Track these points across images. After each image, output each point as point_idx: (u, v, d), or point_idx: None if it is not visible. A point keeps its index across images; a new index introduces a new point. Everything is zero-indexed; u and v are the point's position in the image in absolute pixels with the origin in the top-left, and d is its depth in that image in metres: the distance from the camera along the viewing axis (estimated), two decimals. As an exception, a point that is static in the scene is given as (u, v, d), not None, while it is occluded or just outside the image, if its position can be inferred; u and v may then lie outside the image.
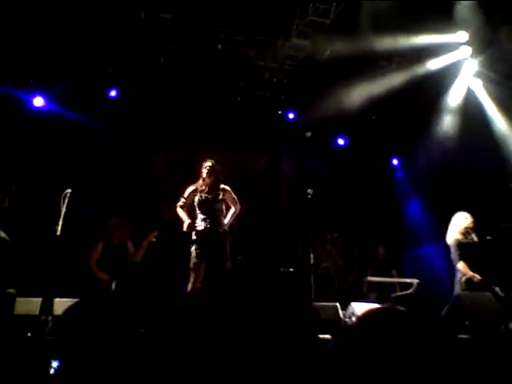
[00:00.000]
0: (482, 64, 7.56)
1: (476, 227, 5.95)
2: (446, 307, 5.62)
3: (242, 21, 7.21)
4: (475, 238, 5.93)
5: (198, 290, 5.32)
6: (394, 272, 7.66)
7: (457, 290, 5.80)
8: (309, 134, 8.21)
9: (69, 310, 2.65)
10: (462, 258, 5.81)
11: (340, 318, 5.34)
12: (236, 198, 5.71)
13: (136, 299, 5.32)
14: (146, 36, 7.26)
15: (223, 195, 5.62)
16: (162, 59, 7.60)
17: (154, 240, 5.91)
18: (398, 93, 7.84)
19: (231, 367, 1.43)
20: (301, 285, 6.34)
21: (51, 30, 6.82)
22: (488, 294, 5.51)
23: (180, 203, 5.62)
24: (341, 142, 9.11)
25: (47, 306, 4.68)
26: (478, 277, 5.71)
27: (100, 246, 5.96)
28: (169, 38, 7.38)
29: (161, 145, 8.03)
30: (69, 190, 5.37)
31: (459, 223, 6.00)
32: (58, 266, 5.17)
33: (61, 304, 4.58)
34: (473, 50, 7.47)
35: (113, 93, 7.72)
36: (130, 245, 6.00)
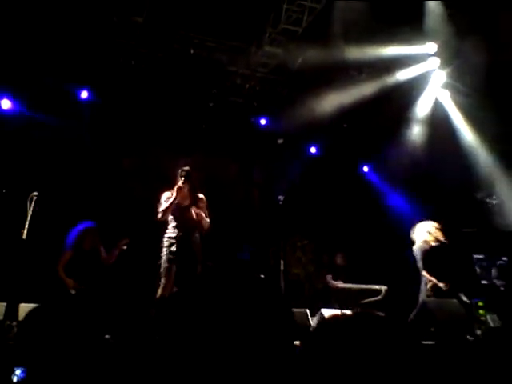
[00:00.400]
0: (450, 75, 7.76)
1: (442, 235, 6.07)
2: (412, 313, 5.72)
3: (215, 26, 7.23)
4: (440, 245, 6.05)
5: (169, 295, 5.29)
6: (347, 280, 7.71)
7: (422, 296, 5.91)
8: (280, 141, 8.26)
9: (28, 316, 2.60)
10: (425, 265, 5.93)
11: (310, 324, 5.38)
12: (207, 212, 5.67)
13: (101, 305, 5.27)
14: (117, 39, 7.20)
15: (198, 204, 5.61)
16: (133, 62, 7.54)
17: (125, 248, 5.85)
18: (368, 102, 7.96)
19: (203, 371, 1.42)
20: (272, 290, 6.36)
21: (21, 32, 6.70)
22: (453, 300, 5.63)
23: (159, 215, 5.55)
24: (313, 150, 9.18)
25: (12, 311, 4.57)
26: (441, 285, 5.82)
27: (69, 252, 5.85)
28: (141, 42, 7.34)
29: (131, 148, 7.94)
30: (35, 193, 5.28)
31: (424, 232, 6.12)
32: (23, 270, 5.07)
33: (26, 309, 4.47)
34: (441, 61, 7.66)
35: (84, 94, 7.61)
36: (102, 250, 5.92)
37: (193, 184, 5.61)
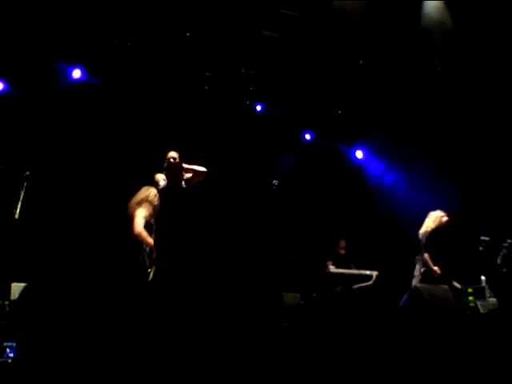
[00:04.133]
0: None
1: (446, 222, 6.19)
2: (402, 299, 5.75)
3: (211, 9, 7.15)
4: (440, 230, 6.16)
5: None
6: (352, 266, 7.78)
7: (415, 282, 5.96)
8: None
9: (21, 295, 2.59)
10: (427, 248, 6.01)
11: (301, 305, 5.43)
12: None
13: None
14: (113, 20, 7.11)
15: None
16: (128, 44, 7.46)
17: None
18: (363, 88, 7.97)
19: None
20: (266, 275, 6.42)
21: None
22: (445, 286, 5.68)
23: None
24: (307, 136, 9.16)
25: (4, 291, 4.56)
26: (437, 271, 5.89)
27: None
28: (136, 23, 7.25)
29: (123, 130, 7.88)
30: (27, 173, 5.24)
31: (433, 219, 6.23)
32: (15, 250, 5.05)
33: (18, 289, 4.46)
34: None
35: (77, 74, 7.51)
36: None
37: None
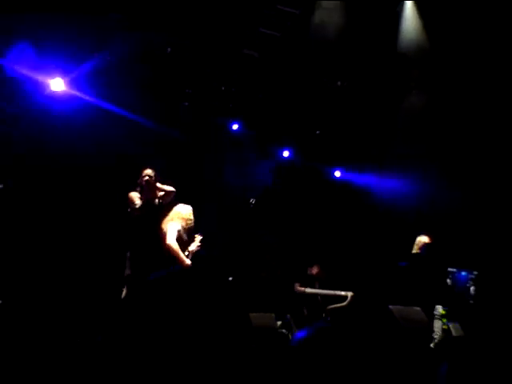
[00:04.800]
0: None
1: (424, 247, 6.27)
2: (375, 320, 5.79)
3: (193, 27, 7.18)
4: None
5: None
6: (316, 285, 7.74)
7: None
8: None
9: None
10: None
11: (276, 327, 5.39)
12: None
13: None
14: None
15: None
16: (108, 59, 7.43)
17: None
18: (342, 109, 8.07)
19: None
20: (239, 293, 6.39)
21: None
22: (417, 308, 5.72)
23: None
24: (286, 153, 9.19)
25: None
26: None
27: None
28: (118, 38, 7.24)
29: (102, 142, 7.80)
30: (0, 186, 5.16)
31: (416, 242, 6.34)
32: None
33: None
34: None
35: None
36: None
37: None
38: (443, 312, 6.10)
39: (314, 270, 7.90)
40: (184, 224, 5.42)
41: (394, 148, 8.43)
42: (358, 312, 6.79)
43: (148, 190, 5.45)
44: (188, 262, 5.24)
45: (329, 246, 8.71)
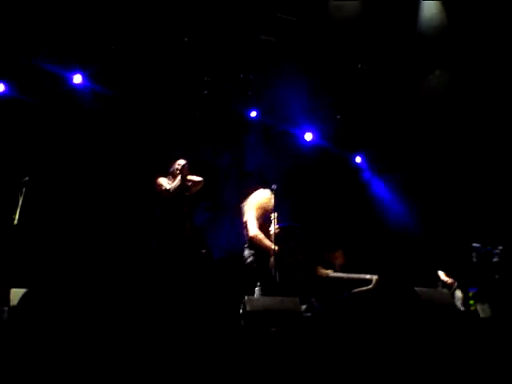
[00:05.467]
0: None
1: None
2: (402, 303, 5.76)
3: (209, 15, 7.16)
4: None
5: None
6: (338, 270, 7.72)
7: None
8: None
9: (21, 301, 2.58)
10: None
11: (301, 311, 5.41)
12: None
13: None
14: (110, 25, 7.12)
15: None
16: (125, 49, 7.47)
17: None
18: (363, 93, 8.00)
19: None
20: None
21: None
22: (445, 291, 5.70)
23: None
24: (308, 137, 9.10)
25: (3, 297, 4.55)
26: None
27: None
28: (133, 29, 7.26)
29: (124, 136, 7.88)
30: (26, 178, 5.24)
31: None
32: (14, 255, 5.05)
33: (17, 294, 4.45)
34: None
35: (77, 79, 7.51)
36: None
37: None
38: (471, 294, 6.05)
39: (336, 255, 7.88)
40: (264, 211, 5.52)
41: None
42: (383, 295, 6.77)
43: (180, 178, 5.56)
44: (275, 247, 5.29)
45: (350, 231, 8.68)
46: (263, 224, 5.45)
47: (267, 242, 5.33)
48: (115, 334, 3.40)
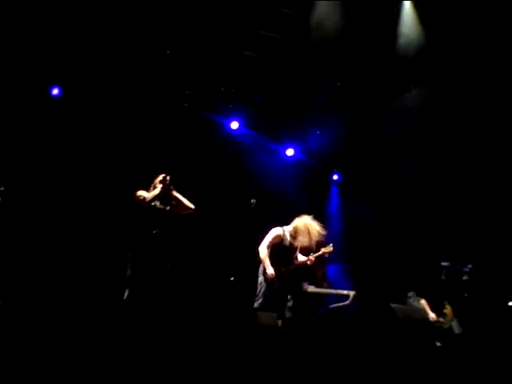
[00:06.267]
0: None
1: None
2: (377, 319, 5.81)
3: (191, 28, 7.20)
4: None
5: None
6: (325, 285, 7.76)
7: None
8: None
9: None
10: None
11: (278, 326, 5.41)
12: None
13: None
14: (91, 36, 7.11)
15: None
16: (106, 59, 7.45)
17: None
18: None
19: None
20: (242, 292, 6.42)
21: None
22: (420, 307, 5.76)
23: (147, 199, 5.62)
24: (289, 152, 9.17)
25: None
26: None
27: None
28: (115, 40, 7.26)
29: (103, 147, 7.82)
30: (2, 188, 5.17)
31: None
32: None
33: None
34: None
35: (55, 91, 7.48)
36: None
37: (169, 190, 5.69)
38: (446, 310, 6.12)
39: (319, 272, 7.89)
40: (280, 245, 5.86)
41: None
42: (360, 311, 6.81)
43: (161, 189, 5.53)
44: (270, 271, 5.66)
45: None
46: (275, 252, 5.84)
47: (266, 262, 5.73)
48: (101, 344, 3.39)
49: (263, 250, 5.81)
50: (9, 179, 5.90)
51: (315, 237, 5.81)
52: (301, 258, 5.97)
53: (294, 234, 5.88)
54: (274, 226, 6.00)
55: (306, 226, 5.84)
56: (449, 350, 5.18)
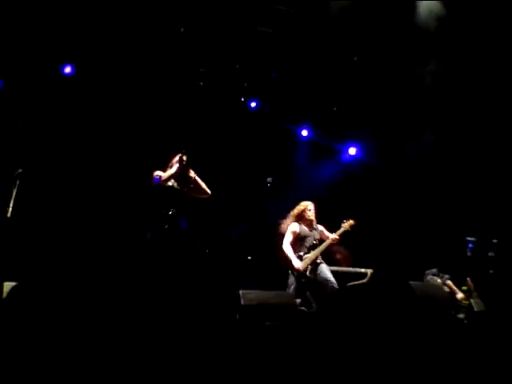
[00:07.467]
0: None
1: None
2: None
3: (205, 5, 7.10)
4: None
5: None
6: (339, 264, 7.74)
7: None
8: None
9: (10, 294, 2.55)
10: None
11: (296, 304, 5.43)
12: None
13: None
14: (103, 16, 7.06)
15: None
16: (121, 40, 7.40)
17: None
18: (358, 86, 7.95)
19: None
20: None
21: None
22: (438, 284, 5.70)
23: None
24: (304, 133, 9.09)
25: (-4, 290, 4.52)
26: None
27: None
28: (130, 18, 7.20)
29: (118, 128, 7.83)
30: (20, 170, 5.20)
31: None
32: (7, 248, 5.01)
33: (10, 288, 4.42)
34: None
35: (67, 69, 7.49)
36: None
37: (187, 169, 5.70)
38: (464, 288, 6.05)
39: (337, 254, 7.86)
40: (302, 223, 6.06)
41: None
42: (378, 289, 6.77)
43: (178, 168, 5.53)
44: (297, 265, 5.82)
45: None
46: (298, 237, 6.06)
47: (293, 259, 5.89)
48: (107, 327, 3.38)
49: (287, 247, 5.99)
50: (26, 161, 5.94)
51: (300, 211, 6.13)
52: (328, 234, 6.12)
53: (300, 220, 6.11)
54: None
55: (296, 209, 6.14)
56: (470, 328, 5.13)
